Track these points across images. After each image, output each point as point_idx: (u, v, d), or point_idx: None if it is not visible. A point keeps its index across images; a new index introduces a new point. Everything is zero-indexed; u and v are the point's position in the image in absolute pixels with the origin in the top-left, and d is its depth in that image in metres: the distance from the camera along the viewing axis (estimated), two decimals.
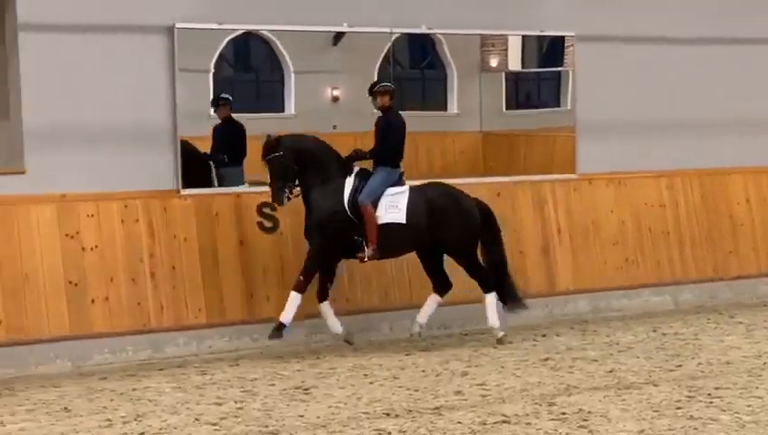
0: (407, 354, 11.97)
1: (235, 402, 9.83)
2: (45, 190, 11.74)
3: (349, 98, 17.06)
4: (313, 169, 12.02)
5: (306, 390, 10.29)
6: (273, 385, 10.55)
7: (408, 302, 13.24)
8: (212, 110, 13.98)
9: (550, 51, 16.61)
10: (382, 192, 12.09)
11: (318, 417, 9.17)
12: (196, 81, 14.63)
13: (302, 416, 9.22)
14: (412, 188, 12.27)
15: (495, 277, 12.56)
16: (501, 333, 12.47)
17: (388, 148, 12.25)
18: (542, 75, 17.36)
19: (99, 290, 11.81)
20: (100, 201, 11.90)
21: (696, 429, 8.66)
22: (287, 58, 16.97)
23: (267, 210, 12.74)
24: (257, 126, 16.78)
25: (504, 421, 8.89)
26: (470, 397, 9.85)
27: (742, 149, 15.44)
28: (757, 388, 10.01)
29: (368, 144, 12.47)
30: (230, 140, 13.76)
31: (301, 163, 11.98)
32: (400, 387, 10.30)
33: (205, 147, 13.98)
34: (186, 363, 11.73)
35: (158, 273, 12.12)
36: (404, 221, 12.06)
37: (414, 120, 14.41)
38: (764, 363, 11.14)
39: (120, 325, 11.85)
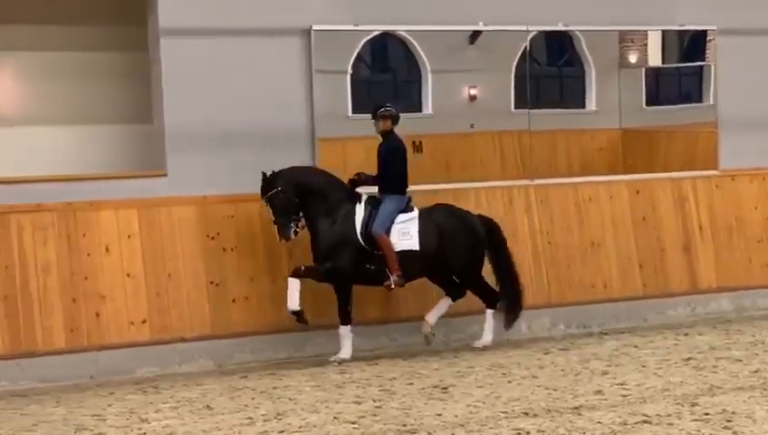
0: (545, 353, 11.86)
1: (374, 401, 9.83)
2: (186, 192, 11.94)
3: (486, 97, 16.96)
4: (315, 199, 11.77)
5: (444, 389, 10.25)
6: (411, 384, 10.54)
7: (546, 301, 13.14)
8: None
9: (691, 46, 16.30)
10: (393, 221, 11.87)
11: (456, 416, 9.12)
12: (334, 82, 14.70)
13: (440, 415, 9.18)
14: (421, 213, 12.01)
15: (503, 287, 12.28)
16: (481, 345, 12.17)
17: (395, 174, 11.97)
18: (682, 70, 17.04)
19: (239, 290, 11.96)
20: (240, 202, 12.04)
21: None
22: (424, 58, 16.95)
23: None
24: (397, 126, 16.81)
25: (645, 422, 8.72)
26: (610, 397, 9.69)
27: None
28: None
29: (507, 144, 12.35)
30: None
31: (301, 195, 11.71)
32: (539, 386, 10.19)
33: (342, 148, 14.04)
34: (325, 362, 11.79)
35: None
36: (417, 248, 11.88)
37: (551, 118, 14.27)
38: None
39: (260, 325, 11.97)
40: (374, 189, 12.11)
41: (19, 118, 14.13)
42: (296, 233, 11.75)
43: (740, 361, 11.15)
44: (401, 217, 11.91)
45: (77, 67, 14.09)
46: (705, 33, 14.99)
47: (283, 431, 8.83)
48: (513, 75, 15.39)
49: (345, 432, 8.75)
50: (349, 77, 16.52)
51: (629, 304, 13.54)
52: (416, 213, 12.00)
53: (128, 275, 11.74)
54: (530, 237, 13.30)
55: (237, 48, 12.29)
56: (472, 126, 16.53)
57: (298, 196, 11.70)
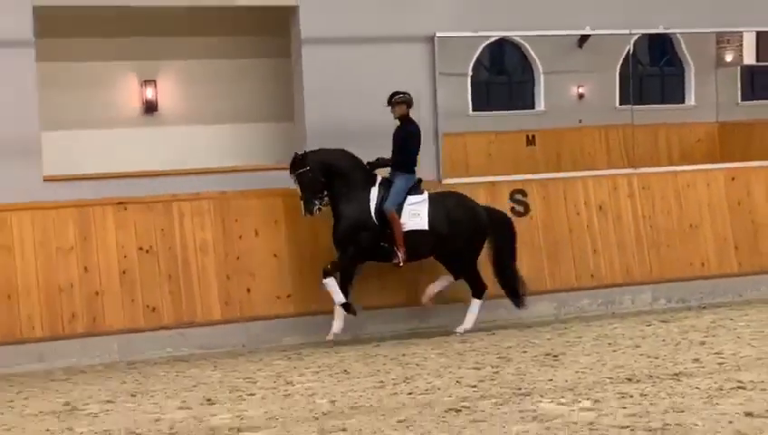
0: (647, 325, 11.65)
1: (492, 367, 9.78)
2: None
3: (593, 95, 16.81)
4: (339, 181, 11.43)
5: (555, 356, 10.15)
6: (525, 352, 10.46)
7: (648, 278, 12.93)
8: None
9: None
10: (404, 198, 11.51)
11: (566, 381, 9.02)
12: (455, 83, 14.69)
13: (551, 380, 9.09)
14: (431, 197, 11.63)
15: (503, 277, 11.86)
16: (462, 330, 11.73)
17: (407, 156, 11.60)
18: None
19: (371, 269, 11.89)
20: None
21: None
22: (537, 60, 16.86)
23: (519, 196, 12.66)
24: (512, 122, 16.79)
25: (739, 387, 8.50)
26: (707, 364, 9.48)
27: None
28: None
29: (612, 137, 12.18)
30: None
31: (327, 175, 11.40)
32: (641, 355, 10.02)
33: (463, 142, 14.03)
34: (448, 333, 11.77)
35: None
36: (426, 228, 11.50)
37: (653, 113, 14.03)
38: None
39: (390, 300, 11.97)
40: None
41: (180, 118, 14.46)
42: (320, 210, 11.42)
43: None
44: (411, 198, 11.54)
45: (229, 73, 14.35)
46: None
47: (411, 393, 8.84)
48: (617, 75, 15.22)
49: (466, 395, 8.72)
50: (469, 79, 16.49)
51: (725, 280, 13.24)
52: (426, 195, 11.62)
53: (274, 256, 11.86)
54: (633, 221, 13.08)
55: (369, 54, 12.33)
56: (580, 121, 16.41)
57: (324, 175, 11.39)
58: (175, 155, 12.95)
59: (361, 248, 11.44)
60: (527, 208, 12.69)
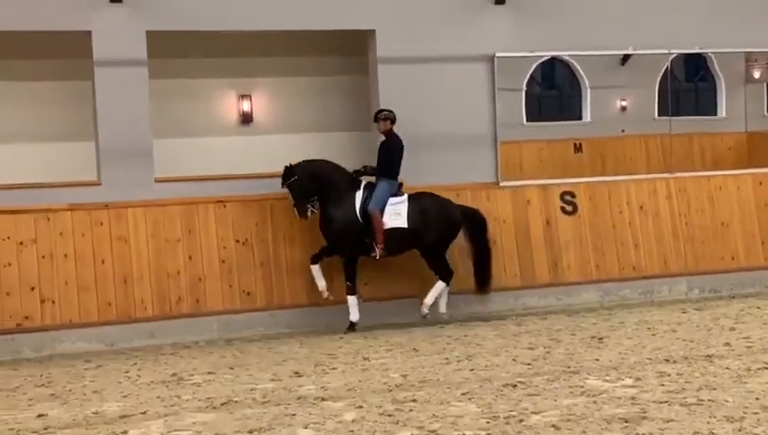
0: (683, 312, 11.54)
1: (544, 348, 9.76)
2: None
3: (634, 108, 16.67)
4: (327, 187, 11.35)
5: (600, 339, 10.09)
6: (573, 335, 10.42)
7: (684, 269, 12.80)
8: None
9: None
10: (386, 201, 11.38)
11: (610, 360, 8.97)
12: (512, 97, 14.65)
13: (597, 360, 9.05)
14: (410, 198, 11.47)
15: (477, 267, 11.67)
16: (425, 311, 11.54)
17: (390, 164, 11.44)
18: None
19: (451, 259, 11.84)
20: (439, 192, 12.04)
21: None
22: (584, 76, 16.74)
23: (568, 197, 12.60)
24: (562, 132, 16.72)
25: (765, 368, 8.39)
26: (737, 348, 9.37)
27: None
28: None
29: (651, 145, 12.06)
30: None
31: (315, 182, 11.31)
32: (678, 338, 9.93)
33: (519, 149, 14.00)
34: (505, 316, 11.76)
35: None
36: (406, 226, 11.39)
37: (688, 124, 13.85)
38: None
39: (453, 287, 11.96)
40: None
41: (271, 127, 14.62)
42: (312, 213, 11.39)
43: None
44: (393, 199, 11.44)
45: (315, 88, 14.47)
46: None
47: (472, 369, 8.85)
48: (656, 89, 15.07)
49: (521, 371, 8.73)
50: (524, 93, 16.43)
51: (754, 273, 13.05)
52: (405, 197, 11.51)
53: None
54: (670, 219, 12.95)
55: (437, 72, 12.35)
56: (623, 131, 16.27)
57: (312, 182, 11.31)
58: (267, 160, 13.07)
59: (352, 244, 11.42)
60: (575, 208, 12.63)
